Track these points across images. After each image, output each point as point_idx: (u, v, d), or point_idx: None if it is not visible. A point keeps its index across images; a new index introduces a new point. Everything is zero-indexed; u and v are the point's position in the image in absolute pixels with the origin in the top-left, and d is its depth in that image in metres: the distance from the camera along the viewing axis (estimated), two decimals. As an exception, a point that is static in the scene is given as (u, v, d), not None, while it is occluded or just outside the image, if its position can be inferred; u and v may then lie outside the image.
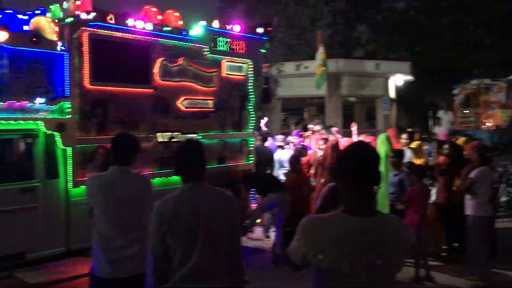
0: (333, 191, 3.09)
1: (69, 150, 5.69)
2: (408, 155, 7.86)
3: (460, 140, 8.57)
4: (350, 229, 2.04)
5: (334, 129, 10.35)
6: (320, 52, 12.49)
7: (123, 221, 3.37)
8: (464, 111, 16.13)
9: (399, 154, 7.18)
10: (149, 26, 6.37)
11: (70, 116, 5.72)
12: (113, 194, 3.39)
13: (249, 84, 7.87)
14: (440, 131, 14.73)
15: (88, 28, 5.79)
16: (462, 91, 16.20)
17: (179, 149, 3.00)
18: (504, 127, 14.34)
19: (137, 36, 6.28)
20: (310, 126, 10.83)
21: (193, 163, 2.87)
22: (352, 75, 19.30)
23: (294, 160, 7.51)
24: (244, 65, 7.76)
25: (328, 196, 3.27)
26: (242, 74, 7.76)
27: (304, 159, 8.13)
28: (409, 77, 20.78)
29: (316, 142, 9.19)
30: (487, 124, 15.39)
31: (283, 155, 8.65)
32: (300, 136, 10.33)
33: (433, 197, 7.21)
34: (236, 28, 7.57)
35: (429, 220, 6.78)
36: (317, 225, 2.12)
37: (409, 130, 9.40)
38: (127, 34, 6.17)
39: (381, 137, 7.77)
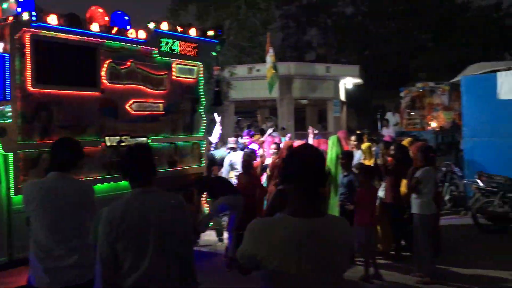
0: (281, 194, 3.12)
1: (11, 155, 5.43)
2: (358, 157, 8.05)
3: (405, 141, 8.85)
4: (295, 231, 2.05)
5: (287, 135, 10.52)
6: (270, 55, 12.47)
7: (61, 229, 3.24)
8: (410, 113, 16.72)
9: (348, 155, 7.33)
10: (95, 27, 6.19)
11: (11, 120, 5.46)
12: (50, 201, 3.26)
13: (200, 87, 7.81)
14: (386, 133, 15.21)
15: (30, 29, 5.56)
16: (408, 94, 16.79)
17: (128, 153, 2.95)
18: (447, 128, 14.96)
19: (82, 37, 6.09)
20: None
21: (142, 168, 2.83)
22: (303, 78, 19.61)
23: (247, 162, 7.53)
24: (195, 67, 7.69)
25: (276, 199, 3.29)
26: (193, 76, 7.68)
27: (256, 162, 8.16)
28: (359, 80, 21.33)
29: (268, 146, 9.26)
30: (432, 125, 16.02)
31: (235, 158, 8.64)
32: (251, 136, 10.36)
33: (380, 194, 7.41)
34: (187, 31, 7.51)
35: (378, 220, 6.97)
36: (263, 227, 2.12)
37: (358, 132, 9.63)
38: (72, 35, 5.97)
39: (332, 139, 7.91)
